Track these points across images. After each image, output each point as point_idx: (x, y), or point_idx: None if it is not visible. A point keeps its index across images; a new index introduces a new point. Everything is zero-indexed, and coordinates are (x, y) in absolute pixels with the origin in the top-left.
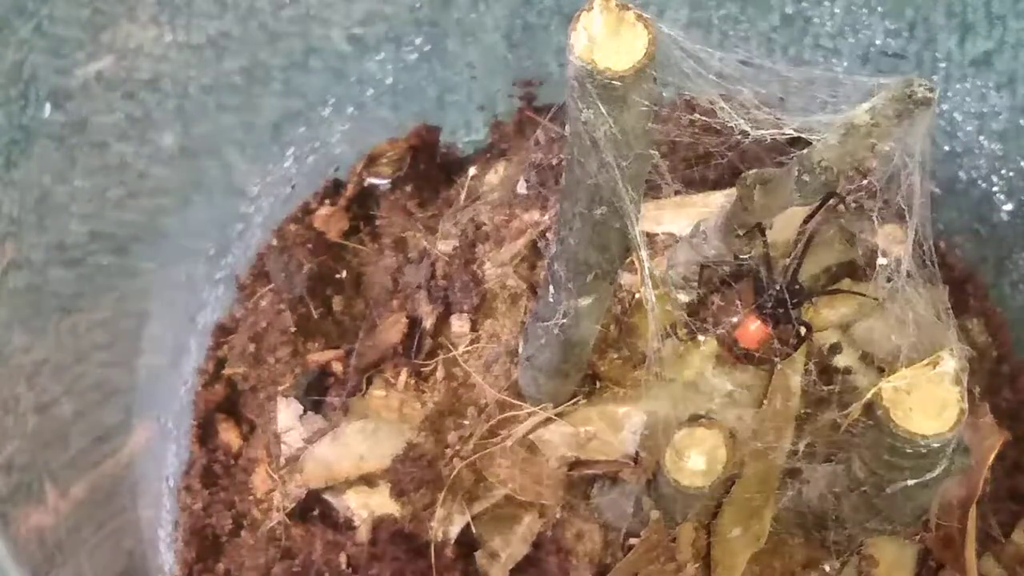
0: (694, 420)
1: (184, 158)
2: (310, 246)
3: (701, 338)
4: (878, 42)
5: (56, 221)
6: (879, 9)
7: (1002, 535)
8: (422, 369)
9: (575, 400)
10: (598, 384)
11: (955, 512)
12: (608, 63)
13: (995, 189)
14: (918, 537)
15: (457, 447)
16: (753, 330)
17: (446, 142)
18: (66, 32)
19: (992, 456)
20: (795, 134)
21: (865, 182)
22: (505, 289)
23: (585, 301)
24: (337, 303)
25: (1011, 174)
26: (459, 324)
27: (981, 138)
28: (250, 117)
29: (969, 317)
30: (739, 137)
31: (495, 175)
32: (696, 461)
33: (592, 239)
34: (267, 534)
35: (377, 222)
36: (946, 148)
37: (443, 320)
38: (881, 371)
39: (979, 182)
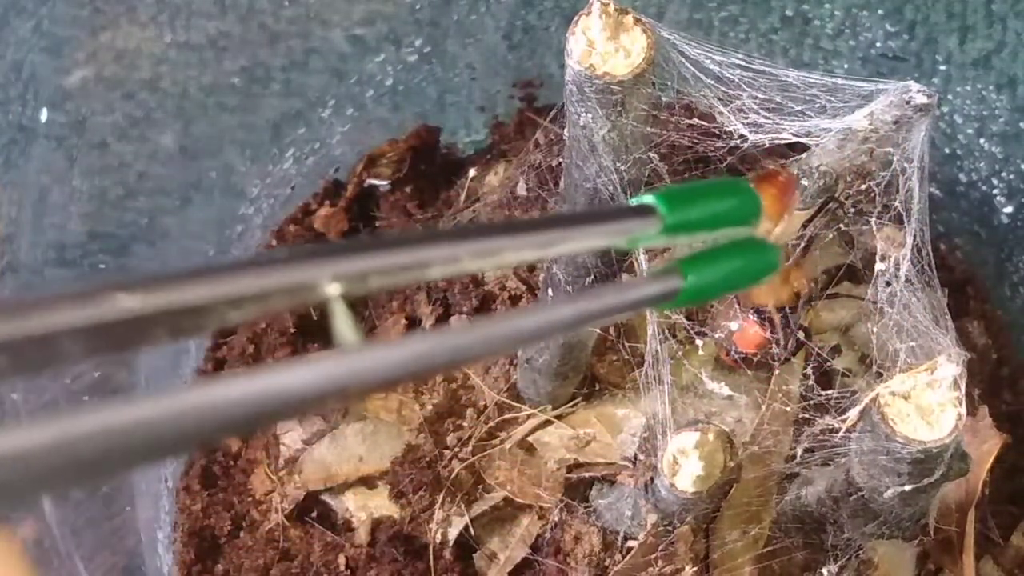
0: (692, 424)
1: (184, 158)
2: None
3: (699, 342)
4: (878, 44)
5: (55, 221)
6: (879, 11)
7: (1001, 538)
8: None
9: (574, 402)
10: (597, 386)
11: (954, 515)
12: (607, 68)
13: (995, 191)
14: (917, 540)
15: (456, 449)
16: (751, 334)
17: (446, 143)
18: (66, 32)
19: (991, 459)
20: (794, 139)
21: (864, 186)
22: (505, 291)
23: None
24: None
25: (1011, 176)
26: (458, 326)
27: (981, 140)
28: (250, 117)
29: (969, 319)
30: (738, 141)
31: (495, 176)
32: (694, 465)
33: None
34: (266, 535)
35: (377, 223)
36: (946, 150)
37: (442, 321)
38: (880, 375)
39: (979, 184)
